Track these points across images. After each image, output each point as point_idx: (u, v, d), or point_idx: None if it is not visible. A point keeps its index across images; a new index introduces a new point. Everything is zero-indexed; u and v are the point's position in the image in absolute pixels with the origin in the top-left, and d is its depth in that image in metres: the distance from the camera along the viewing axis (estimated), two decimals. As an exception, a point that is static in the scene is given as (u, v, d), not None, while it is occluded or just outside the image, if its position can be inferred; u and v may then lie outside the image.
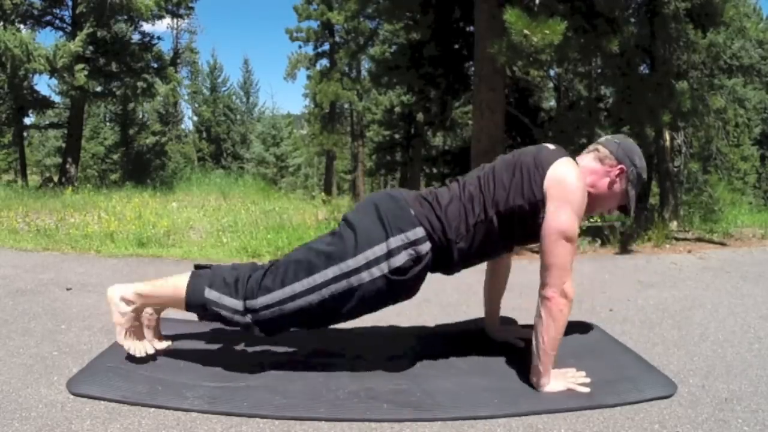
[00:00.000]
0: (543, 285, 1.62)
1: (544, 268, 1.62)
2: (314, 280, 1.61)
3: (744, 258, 4.27)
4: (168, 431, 1.43)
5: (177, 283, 1.70)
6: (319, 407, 1.54)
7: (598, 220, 5.14)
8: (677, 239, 5.21)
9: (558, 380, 1.67)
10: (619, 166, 1.73)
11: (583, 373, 1.73)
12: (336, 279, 1.61)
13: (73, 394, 1.60)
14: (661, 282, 3.36)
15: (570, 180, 1.63)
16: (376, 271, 1.60)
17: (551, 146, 1.76)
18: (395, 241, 1.61)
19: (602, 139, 1.83)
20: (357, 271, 1.60)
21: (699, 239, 5.31)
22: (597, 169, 1.75)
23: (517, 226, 1.69)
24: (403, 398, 1.60)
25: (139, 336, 1.78)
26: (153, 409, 1.53)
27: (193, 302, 1.68)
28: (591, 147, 1.82)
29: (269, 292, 1.63)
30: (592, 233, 4.94)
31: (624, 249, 4.67)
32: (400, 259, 1.61)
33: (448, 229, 1.67)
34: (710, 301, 2.88)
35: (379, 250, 1.60)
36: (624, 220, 5.49)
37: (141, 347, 1.76)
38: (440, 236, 1.67)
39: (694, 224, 5.85)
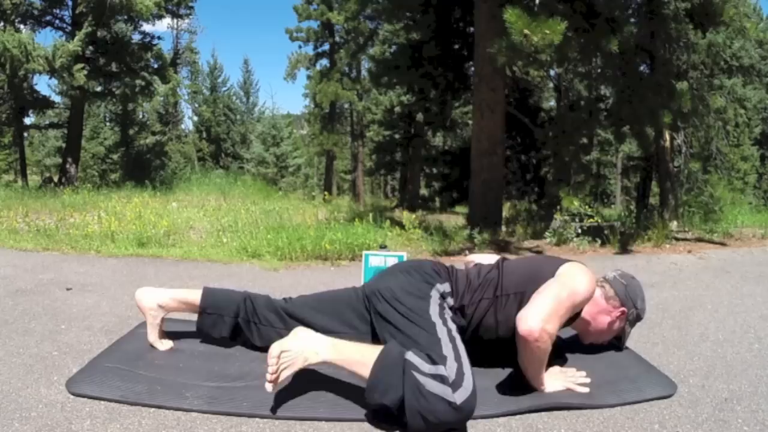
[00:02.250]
0: (523, 319, 1.54)
1: (531, 304, 1.59)
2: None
3: (744, 258, 4.27)
4: (168, 431, 1.43)
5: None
6: (319, 407, 1.54)
7: (599, 221, 5.14)
8: (677, 239, 5.21)
9: (558, 380, 1.68)
10: (621, 309, 1.87)
11: (583, 373, 1.73)
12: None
13: (73, 394, 1.60)
14: (661, 282, 3.36)
15: (581, 273, 1.69)
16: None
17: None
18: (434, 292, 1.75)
19: (610, 276, 1.93)
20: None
21: (699, 239, 5.31)
22: (601, 306, 1.86)
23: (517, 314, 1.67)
24: (403, 398, 1.60)
25: (163, 334, 1.95)
26: (153, 409, 1.53)
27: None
28: (599, 280, 1.90)
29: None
30: (592, 233, 4.94)
31: (624, 249, 4.67)
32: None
33: (455, 295, 1.78)
34: (710, 301, 2.88)
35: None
36: (621, 220, 5.49)
37: (168, 344, 1.92)
38: (463, 288, 1.78)
39: (694, 224, 5.85)
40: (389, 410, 1.44)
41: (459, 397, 1.37)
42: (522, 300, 1.68)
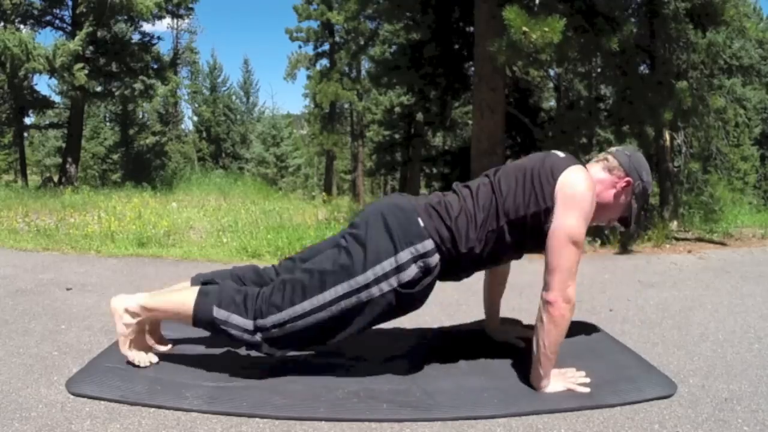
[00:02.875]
0: (546, 288, 1.61)
1: (548, 272, 1.61)
2: (324, 297, 1.60)
3: (744, 258, 4.27)
4: (168, 431, 1.43)
5: (184, 300, 1.69)
6: (319, 407, 1.54)
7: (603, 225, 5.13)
8: (677, 239, 5.21)
9: (558, 381, 1.67)
10: (627, 179, 1.74)
11: (583, 373, 1.73)
12: (346, 295, 1.60)
13: (73, 394, 1.60)
14: (661, 282, 3.36)
15: (581, 187, 1.62)
16: (385, 286, 1.60)
17: (561, 154, 1.75)
18: (404, 255, 1.59)
19: (613, 149, 1.83)
20: (367, 286, 1.59)
21: (699, 239, 5.31)
22: (604, 179, 1.75)
23: (528, 234, 1.68)
24: (402, 398, 1.60)
25: (142, 345, 1.78)
26: (153, 409, 1.53)
27: (201, 320, 1.67)
28: (600, 156, 1.82)
29: (279, 310, 1.62)
30: (592, 233, 4.94)
31: (624, 249, 4.67)
32: (409, 273, 1.60)
33: (458, 240, 1.65)
34: (710, 301, 2.88)
35: (389, 264, 1.59)
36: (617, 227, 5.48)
37: (144, 358, 1.75)
38: (450, 247, 1.65)
39: (694, 224, 5.85)
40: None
41: (260, 336, 1.62)
42: (525, 220, 1.65)
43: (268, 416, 1.50)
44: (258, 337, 1.64)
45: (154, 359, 1.77)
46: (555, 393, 1.64)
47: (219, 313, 1.62)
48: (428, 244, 1.62)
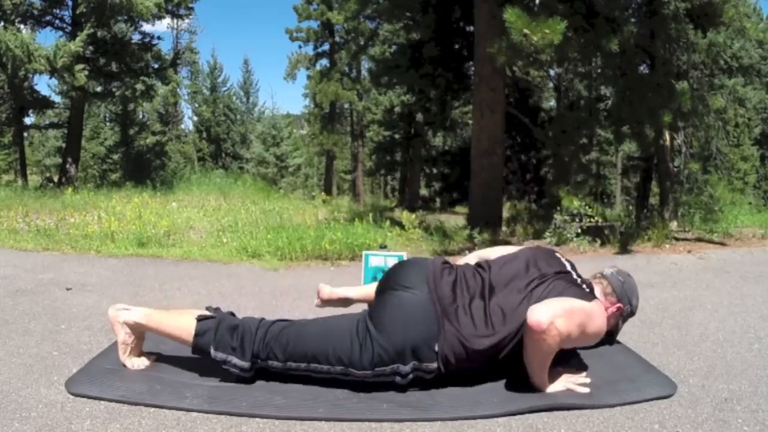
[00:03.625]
0: (535, 312, 1.55)
1: (545, 302, 1.60)
2: (321, 368, 1.66)
3: (744, 258, 4.27)
4: (168, 431, 1.43)
5: (181, 331, 1.73)
6: (319, 407, 1.54)
7: (599, 220, 5.14)
8: (677, 239, 5.21)
9: (557, 381, 1.68)
10: (618, 305, 1.88)
11: (584, 373, 1.73)
12: (342, 374, 1.65)
13: (73, 394, 1.60)
14: (661, 282, 3.36)
15: (600, 321, 1.68)
16: (380, 380, 1.65)
17: (574, 274, 1.81)
18: (407, 368, 1.63)
19: (608, 272, 1.93)
20: (362, 377, 1.64)
21: (699, 239, 5.31)
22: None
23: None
24: (402, 398, 1.60)
25: (139, 351, 1.81)
26: (153, 409, 1.53)
27: (200, 353, 1.72)
28: (598, 275, 1.93)
29: (277, 360, 1.68)
30: (592, 233, 4.94)
31: (624, 249, 4.67)
32: (404, 375, 1.64)
33: (466, 358, 1.65)
34: (710, 301, 2.88)
35: (390, 369, 1.63)
36: (621, 220, 5.49)
37: (141, 362, 1.78)
38: (453, 361, 1.65)
39: (694, 224, 5.85)
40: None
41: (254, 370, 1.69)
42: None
43: (268, 416, 1.50)
44: (253, 372, 1.70)
45: (150, 361, 1.79)
46: (555, 393, 1.64)
47: (218, 355, 1.68)
48: (432, 366, 1.64)
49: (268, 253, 4.08)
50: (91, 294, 2.84)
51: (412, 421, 1.50)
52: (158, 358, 1.82)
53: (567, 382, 1.67)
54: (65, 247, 4.23)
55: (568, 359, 1.85)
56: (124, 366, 1.75)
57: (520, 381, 1.69)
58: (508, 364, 1.69)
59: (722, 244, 5.06)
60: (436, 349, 1.63)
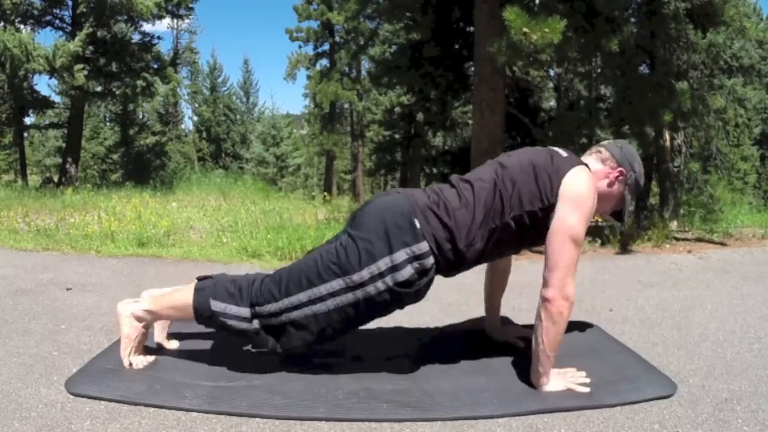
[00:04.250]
0: (545, 285, 1.61)
1: (548, 269, 1.61)
2: (318, 291, 1.62)
3: (744, 258, 4.27)
4: (168, 431, 1.43)
5: (183, 299, 1.72)
6: (319, 407, 1.54)
7: (599, 220, 5.14)
8: (677, 239, 5.21)
9: (558, 380, 1.67)
10: (619, 169, 1.76)
11: (583, 373, 1.73)
12: (341, 291, 1.61)
13: (73, 394, 1.60)
14: (661, 282, 3.36)
15: (584, 187, 1.64)
16: (381, 285, 1.61)
17: (563, 152, 1.76)
18: (399, 255, 1.60)
19: (605, 142, 1.87)
20: (362, 285, 1.61)
21: (699, 239, 5.31)
22: (597, 170, 1.77)
23: (530, 229, 1.68)
24: (402, 398, 1.60)
25: (141, 350, 1.80)
26: (153, 409, 1.53)
27: (201, 315, 1.70)
28: (593, 148, 1.85)
29: (275, 300, 1.64)
30: (592, 233, 4.94)
31: (624, 249, 4.66)
32: (404, 273, 1.61)
33: (457, 238, 1.65)
34: (710, 301, 2.88)
35: (384, 264, 1.60)
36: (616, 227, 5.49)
37: (142, 361, 1.77)
38: (449, 248, 1.66)
39: (694, 224, 5.85)
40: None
41: (257, 323, 1.66)
42: (528, 216, 1.66)
43: (268, 416, 1.50)
44: (256, 324, 1.67)
45: (151, 360, 1.79)
46: (555, 393, 1.64)
47: (216, 305, 1.66)
48: (423, 246, 1.62)
49: (268, 253, 4.08)
50: (91, 294, 2.84)
51: (412, 421, 1.50)
52: (158, 358, 1.82)
53: (567, 382, 1.67)
54: (65, 247, 4.23)
55: (567, 359, 1.85)
56: (130, 364, 1.74)
57: (521, 381, 1.70)
58: (500, 248, 1.72)
59: (722, 244, 5.06)
60: (417, 225, 1.63)
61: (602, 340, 2.12)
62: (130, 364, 1.74)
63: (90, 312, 2.49)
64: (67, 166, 12.52)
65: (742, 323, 2.47)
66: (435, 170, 15.29)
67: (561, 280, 1.59)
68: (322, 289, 1.62)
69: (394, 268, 1.60)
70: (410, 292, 1.64)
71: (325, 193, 10.85)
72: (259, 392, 1.62)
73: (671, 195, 6.43)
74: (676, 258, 4.28)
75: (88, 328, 2.25)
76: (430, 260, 1.64)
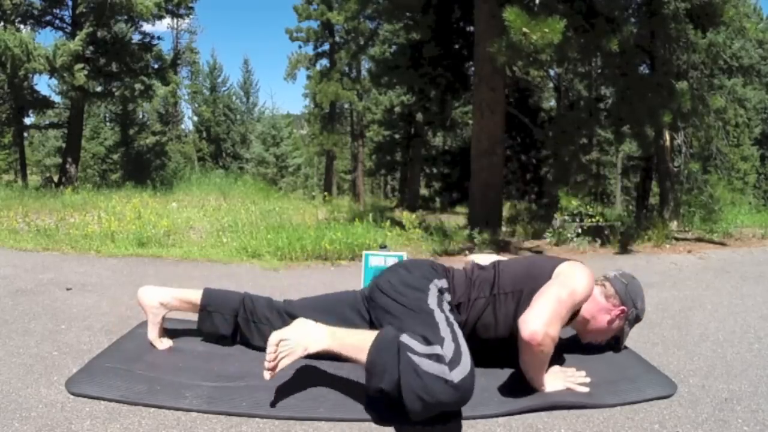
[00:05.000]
0: (522, 321, 1.55)
1: (530, 306, 1.59)
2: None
3: (744, 258, 4.27)
4: (168, 431, 1.43)
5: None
6: (319, 407, 1.54)
7: (599, 220, 5.14)
8: (677, 239, 5.21)
9: (557, 380, 1.68)
10: (621, 308, 1.86)
11: (583, 373, 1.73)
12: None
13: (73, 394, 1.60)
14: (661, 282, 3.36)
15: (580, 271, 1.70)
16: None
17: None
18: (432, 287, 1.74)
19: (611, 275, 1.94)
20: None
21: (699, 239, 5.31)
22: (601, 305, 1.85)
23: (521, 311, 1.65)
24: (403, 398, 1.60)
25: (162, 332, 1.95)
26: (153, 409, 1.53)
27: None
28: (600, 279, 1.92)
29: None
30: (592, 233, 4.94)
31: (624, 249, 4.67)
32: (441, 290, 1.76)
33: (452, 293, 1.78)
34: (710, 301, 2.88)
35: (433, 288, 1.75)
36: (621, 219, 5.50)
37: (166, 343, 1.93)
38: (461, 290, 1.79)
39: (694, 224, 5.85)
40: (388, 395, 1.43)
41: (456, 375, 1.35)
42: (520, 299, 1.69)
43: (268, 416, 1.50)
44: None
45: (169, 344, 1.92)
46: (555, 393, 1.64)
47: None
48: (443, 284, 1.77)
49: (268, 253, 4.08)
50: (91, 294, 2.83)
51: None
52: (158, 358, 1.82)
53: (567, 382, 1.67)
54: (65, 247, 4.23)
55: (567, 359, 1.85)
56: (152, 345, 1.89)
57: (521, 381, 1.69)
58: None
59: (722, 244, 5.07)
60: (432, 266, 1.83)
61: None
62: (161, 344, 1.90)
63: (90, 312, 2.49)
64: (67, 166, 12.52)
65: (742, 323, 2.47)
66: (435, 170, 15.31)
67: (547, 320, 1.53)
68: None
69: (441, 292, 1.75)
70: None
71: (325, 193, 10.86)
72: (259, 392, 1.62)
73: (671, 195, 6.43)
74: (676, 258, 4.28)
75: (88, 328, 2.25)
76: (447, 293, 1.77)
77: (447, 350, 1.41)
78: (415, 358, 1.37)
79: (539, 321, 1.51)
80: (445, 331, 1.51)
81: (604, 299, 1.86)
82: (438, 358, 1.37)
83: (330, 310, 1.85)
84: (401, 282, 1.73)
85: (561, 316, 1.57)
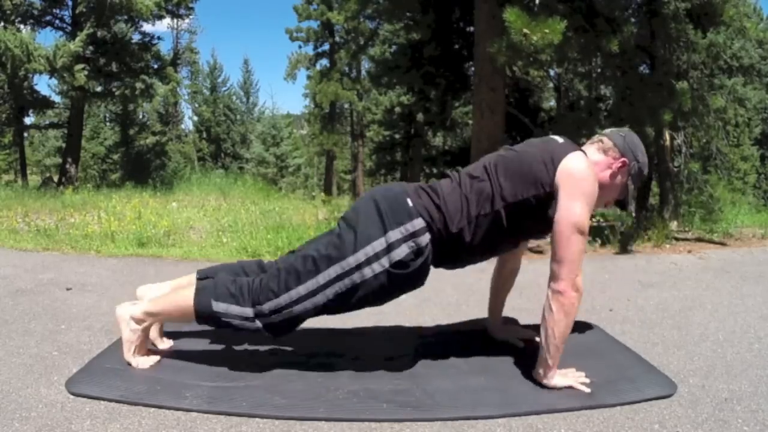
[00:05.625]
0: (554, 278, 1.61)
1: (556, 261, 1.61)
2: (317, 281, 1.62)
3: (744, 258, 4.27)
4: (168, 431, 1.43)
5: (183, 300, 1.71)
6: (319, 407, 1.54)
7: (600, 220, 5.14)
8: (677, 239, 5.21)
9: (559, 379, 1.67)
10: (622, 159, 1.73)
11: (584, 373, 1.73)
12: (339, 278, 1.61)
13: (73, 394, 1.60)
14: (661, 282, 3.36)
15: (583, 173, 1.62)
16: (377, 267, 1.60)
17: (559, 139, 1.75)
18: (394, 234, 1.60)
19: (607, 131, 1.83)
20: (358, 267, 1.60)
21: (699, 239, 5.31)
22: (600, 161, 1.74)
23: (525, 218, 1.67)
24: (402, 398, 1.60)
25: (145, 350, 1.81)
26: (153, 409, 1.53)
27: (203, 316, 1.70)
28: (595, 138, 1.82)
29: (276, 296, 1.64)
30: (592, 233, 4.94)
31: (624, 249, 4.66)
32: (400, 253, 1.60)
33: (449, 221, 1.65)
34: (710, 301, 2.88)
35: (379, 245, 1.60)
36: (622, 219, 5.50)
37: (146, 361, 1.78)
38: (440, 227, 1.65)
39: (694, 224, 5.84)
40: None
41: (260, 322, 1.65)
42: (523, 205, 1.65)
43: (268, 416, 1.50)
44: (258, 323, 1.66)
45: (154, 360, 1.79)
46: (555, 393, 1.64)
47: (218, 306, 1.65)
48: (417, 223, 1.62)
49: (268, 253, 4.08)
50: (91, 294, 2.83)
51: (412, 421, 1.50)
52: (159, 358, 1.82)
53: (567, 379, 1.67)
54: (65, 247, 4.23)
55: (568, 359, 1.85)
56: (129, 365, 1.75)
57: (521, 381, 1.70)
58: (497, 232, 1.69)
59: (722, 244, 5.06)
60: (410, 203, 1.64)
61: (602, 340, 2.12)
62: (137, 364, 1.75)
63: (90, 312, 2.49)
64: (67, 166, 12.51)
65: (742, 323, 2.46)
66: (435, 170, 15.28)
67: (571, 272, 1.59)
68: (320, 278, 1.62)
69: (390, 248, 1.60)
70: (407, 273, 1.62)
71: (323, 194, 10.85)
72: (259, 392, 1.62)
73: (671, 195, 6.42)
74: (676, 258, 4.28)
75: (88, 328, 2.25)
76: (426, 237, 1.63)
77: (266, 307, 1.63)
78: (227, 320, 1.66)
79: (566, 278, 1.58)
80: (307, 286, 1.61)
81: (602, 155, 1.74)
82: (245, 319, 1.64)
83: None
84: (359, 216, 1.65)
85: (581, 261, 1.60)
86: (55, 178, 14.04)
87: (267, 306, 1.64)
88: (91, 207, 6.94)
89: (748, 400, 1.65)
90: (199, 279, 1.78)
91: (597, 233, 4.96)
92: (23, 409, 1.52)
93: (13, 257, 3.83)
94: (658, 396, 1.65)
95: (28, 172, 17.12)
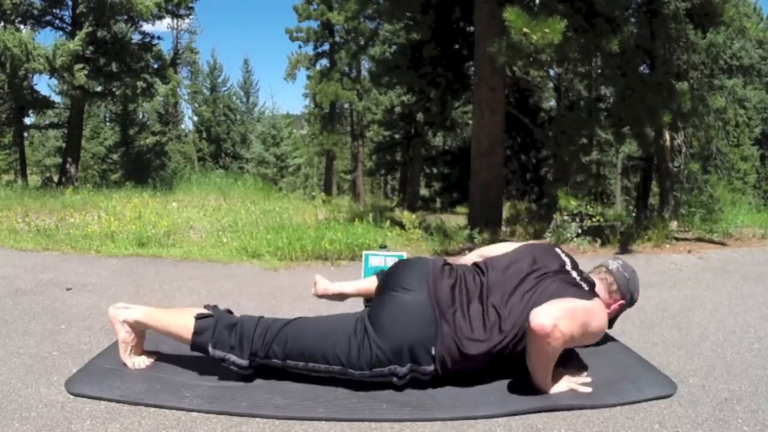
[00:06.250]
0: (537, 312, 1.54)
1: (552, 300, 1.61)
2: (318, 367, 1.67)
3: (744, 258, 4.27)
4: (168, 431, 1.43)
5: (180, 330, 1.73)
6: (319, 407, 1.54)
7: (599, 220, 5.14)
8: (677, 239, 5.21)
9: (560, 381, 1.67)
10: (621, 302, 1.88)
11: (584, 373, 1.73)
12: (339, 373, 1.66)
13: (73, 394, 1.60)
14: (661, 282, 3.36)
15: (601, 318, 1.66)
16: (376, 380, 1.65)
17: (575, 274, 1.78)
18: (404, 370, 1.64)
19: (613, 267, 1.91)
20: (360, 377, 1.65)
21: (699, 239, 5.31)
22: (603, 298, 1.83)
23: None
24: (402, 398, 1.60)
25: (141, 351, 1.82)
26: (153, 409, 1.53)
27: (199, 350, 1.73)
28: (603, 269, 1.91)
29: (275, 357, 1.68)
30: (593, 233, 4.94)
31: (624, 249, 4.67)
32: (402, 378, 1.65)
33: (462, 362, 1.65)
34: (710, 301, 2.88)
35: (388, 370, 1.63)
36: (622, 219, 5.50)
37: (142, 361, 1.79)
38: (451, 363, 1.65)
39: (694, 224, 5.84)
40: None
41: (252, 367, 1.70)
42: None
43: (268, 416, 1.50)
44: (251, 370, 1.70)
45: (150, 361, 1.80)
46: (555, 393, 1.64)
47: (216, 353, 1.68)
48: (429, 369, 1.65)
49: (268, 253, 4.08)
50: (91, 294, 2.84)
51: (412, 421, 1.50)
52: (158, 357, 1.82)
53: (569, 383, 1.67)
54: (65, 247, 4.23)
55: (568, 360, 1.85)
56: (125, 365, 1.75)
57: (521, 381, 1.69)
58: (508, 366, 1.69)
59: (722, 244, 5.06)
60: (433, 352, 1.63)
61: (602, 340, 2.12)
62: (133, 365, 1.76)
63: (90, 312, 2.49)
64: (67, 166, 12.51)
65: (742, 323, 2.47)
66: (435, 170, 15.30)
67: (559, 315, 1.52)
68: (323, 367, 1.67)
69: (394, 374, 1.64)
70: (400, 384, 1.66)
71: (323, 194, 10.84)
72: (259, 392, 1.62)
73: (671, 195, 6.42)
74: (676, 258, 4.28)
75: (88, 328, 2.25)
76: (428, 376, 1.66)
77: (263, 362, 1.69)
78: (225, 364, 1.69)
79: (551, 314, 1.51)
80: (308, 366, 1.67)
81: (606, 293, 1.85)
82: (239, 368, 1.68)
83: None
84: (386, 340, 1.62)
85: (574, 320, 1.54)
86: (55, 178, 14.05)
87: (265, 361, 1.69)
88: (91, 207, 6.93)
89: (748, 400, 1.65)
90: (197, 318, 1.74)
91: (597, 233, 4.96)
92: (23, 409, 1.52)
93: (13, 257, 3.83)
94: (658, 396, 1.65)
95: (28, 172, 17.13)
